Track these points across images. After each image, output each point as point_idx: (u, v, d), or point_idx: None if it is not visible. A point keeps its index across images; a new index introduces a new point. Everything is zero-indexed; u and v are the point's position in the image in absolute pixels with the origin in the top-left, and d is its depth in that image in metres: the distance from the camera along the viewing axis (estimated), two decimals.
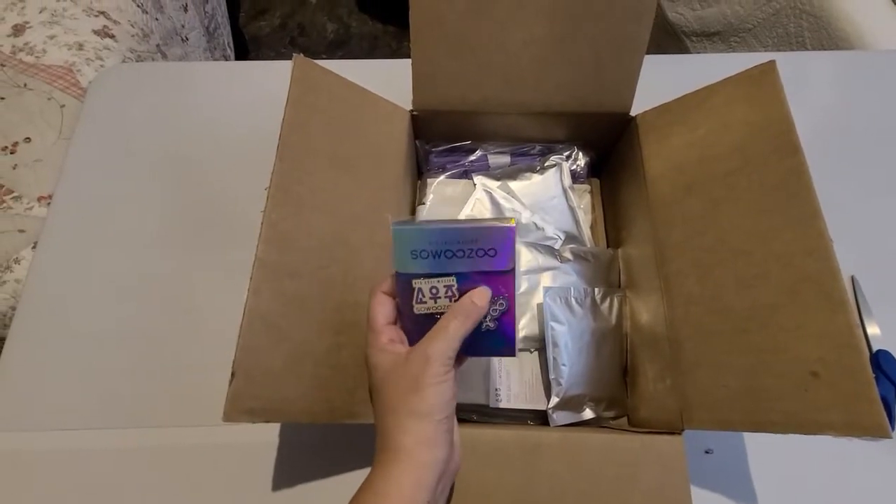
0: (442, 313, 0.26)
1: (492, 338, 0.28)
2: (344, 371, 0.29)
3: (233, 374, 0.24)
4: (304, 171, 0.31)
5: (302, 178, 0.31)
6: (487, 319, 0.28)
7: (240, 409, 0.24)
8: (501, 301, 0.27)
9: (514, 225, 0.26)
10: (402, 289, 0.27)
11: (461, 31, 0.35)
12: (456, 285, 0.27)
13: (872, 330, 0.44)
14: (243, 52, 1.39)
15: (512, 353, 0.28)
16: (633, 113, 0.41)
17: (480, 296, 0.26)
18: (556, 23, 0.35)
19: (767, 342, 0.29)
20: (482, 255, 0.26)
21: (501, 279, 0.27)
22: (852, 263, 0.47)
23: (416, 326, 0.27)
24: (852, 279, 0.47)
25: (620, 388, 0.39)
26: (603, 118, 0.41)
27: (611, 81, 0.38)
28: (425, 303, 0.27)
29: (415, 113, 0.39)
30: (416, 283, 0.27)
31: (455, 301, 0.27)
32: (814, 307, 0.28)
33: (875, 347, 0.43)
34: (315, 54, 1.42)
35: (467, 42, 0.36)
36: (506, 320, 0.28)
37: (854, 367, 0.26)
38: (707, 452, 0.40)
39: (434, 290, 0.27)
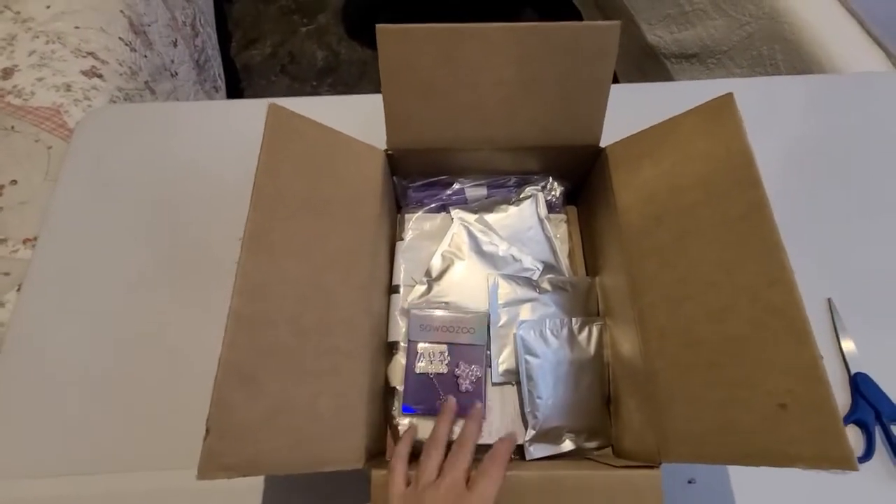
0: (435, 373, 0.38)
1: (469, 398, 0.37)
2: (321, 420, 0.30)
3: (207, 431, 0.24)
4: (278, 218, 0.32)
5: (275, 226, 0.31)
6: (467, 382, 0.38)
7: (215, 466, 0.24)
8: (476, 368, 0.39)
9: (488, 313, 0.40)
10: (411, 351, 0.39)
11: (431, 76, 0.36)
12: (447, 351, 0.39)
13: (850, 350, 0.45)
14: (234, 81, 1.41)
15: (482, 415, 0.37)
16: (602, 144, 0.42)
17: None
18: (522, 66, 0.36)
19: (738, 375, 0.30)
20: (464, 332, 0.39)
21: (477, 350, 0.39)
22: (828, 286, 0.48)
23: (414, 384, 0.38)
24: (828, 301, 0.47)
25: (603, 418, 0.39)
26: (574, 150, 0.42)
27: (579, 116, 0.39)
28: (422, 363, 0.39)
29: (389, 152, 0.40)
30: (420, 348, 0.39)
31: (446, 365, 0.39)
32: (780, 339, 0.28)
33: (853, 369, 0.44)
34: (305, 81, 1.45)
35: (437, 86, 0.37)
36: (479, 384, 0.38)
37: (820, 400, 0.26)
38: (690, 482, 0.40)
39: (431, 355, 0.39)
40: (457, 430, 0.35)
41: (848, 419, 0.42)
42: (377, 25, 0.34)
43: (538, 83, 0.37)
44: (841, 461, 0.25)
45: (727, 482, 0.39)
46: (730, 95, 0.35)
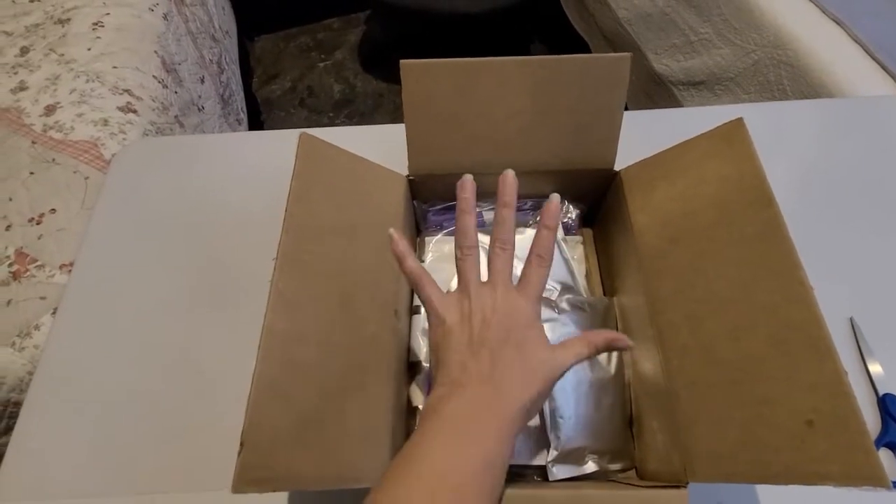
0: None
1: None
2: (348, 435, 0.30)
3: (242, 445, 0.25)
4: (309, 241, 0.33)
5: (306, 248, 0.33)
6: None
7: (248, 479, 0.25)
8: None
9: None
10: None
11: (450, 108, 0.38)
12: None
13: (876, 371, 0.44)
14: (256, 114, 1.48)
15: None
16: (617, 167, 0.43)
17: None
18: (536, 96, 0.38)
19: (761, 393, 0.30)
20: None
21: None
22: (850, 305, 0.48)
23: None
24: (851, 321, 0.47)
25: (626, 440, 0.39)
26: (589, 174, 0.43)
27: (592, 142, 0.41)
28: None
29: (411, 178, 0.42)
30: None
31: None
32: (802, 356, 0.29)
33: (881, 390, 0.43)
34: (322, 113, 1.51)
35: (456, 115, 0.39)
36: None
37: (847, 416, 0.26)
38: None
39: None
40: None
41: (879, 442, 0.41)
42: (401, 61, 0.37)
43: (552, 112, 0.39)
44: (872, 479, 0.25)
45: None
46: (740, 120, 0.36)
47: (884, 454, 0.41)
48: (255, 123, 1.43)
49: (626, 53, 0.38)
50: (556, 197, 0.33)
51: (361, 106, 1.51)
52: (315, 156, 0.36)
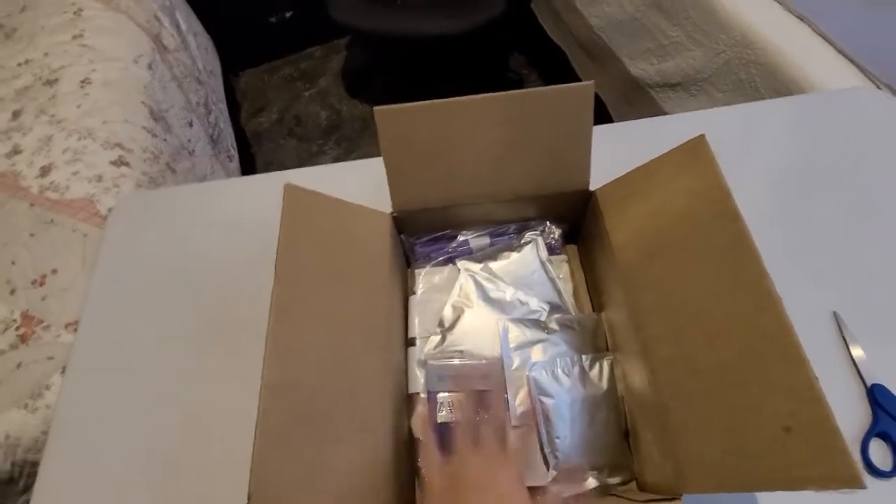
0: (456, 422, 0.39)
1: (493, 444, 0.36)
2: (353, 478, 0.32)
3: (249, 497, 0.27)
4: (300, 290, 0.35)
5: (298, 297, 0.34)
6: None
7: None
8: (496, 412, 0.39)
9: (500, 357, 0.42)
10: (432, 402, 0.40)
11: (426, 147, 0.40)
12: (465, 399, 0.40)
13: (862, 362, 0.45)
14: (246, 147, 1.50)
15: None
16: (592, 187, 0.45)
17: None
18: (508, 130, 0.40)
19: (739, 400, 0.31)
20: (481, 379, 0.41)
21: (495, 395, 0.40)
22: (833, 299, 0.49)
23: (437, 434, 0.38)
24: (835, 314, 0.48)
25: (623, 453, 0.40)
26: (566, 196, 0.45)
27: (566, 166, 0.43)
28: (444, 413, 0.40)
29: (395, 215, 0.44)
30: (440, 398, 0.41)
31: (466, 413, 0.40)
32: (775, 363, 0.30)
33: (869, 381, 0.44)
34: (311, 141, 1.53)
35: (433, 153, 0.41)
36: (502, 428, 0.37)
37: (821, 420, 0.28)
38: None
39: (451, 404, 0.40)
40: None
41: (871, 433, 0.42)
42: (375, 108, 0.39)
43: (524, 142, 0.41)
44: (850, 481, 0.26)
45: None
46: (702, 137, 0.38)
47: (876, 444, 0.42)
48: (246, 157, 1.45)
49: (589, 82, 0.39)
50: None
51: (349, 131, 1.53)
52: (300, 206, 0.38)
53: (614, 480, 0.38)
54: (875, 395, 0.43)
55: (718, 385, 0.32)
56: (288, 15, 1.60)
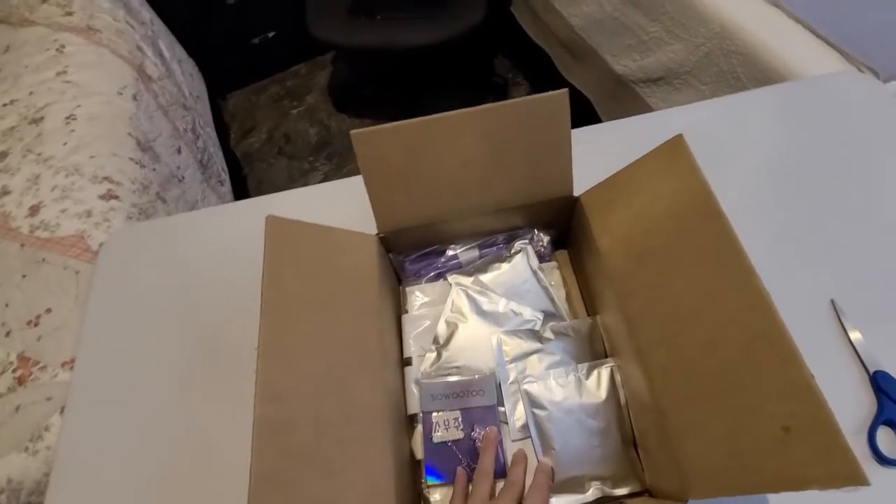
0: (452, 440, 0.39)
1: None
2: None
3: None
4: (288, 321, 0.34)
5: (287, 329, 0.34)
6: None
7: None
8: (492, 428, 0.39)
9: (495, 372, 0.42)
10: (425, 421, 0.40)
11: (406, 165, 0.40)
12: (460, 417, 0.40)
13: (864, 350, 0.45)
14: (237, 169, 1.51)
15: (503, 475, 0.37)
16: (581, 190, 0.44)
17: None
18: (488, 142, 0.40)
19: (738, 403, 0.31)
20: (474, 395, 0.41)
21: (490, 411, 0.40)
22: (829, 287, 0.48)
23: (434, 454, 0.39)
24: (832, 302, 0.48)
25: (629, 463, 0.39)
26: (551, 203, 0.45)
27: (548, 174, 0.43)
28: (439, 432, 0.40)
29: (381, 235, 0.43)
30: (435, 417, 0.41)
31: (461, 431, 0.40)
32: (770, 364, 0.30)
33: (871, 368, 0.44)
34: (302, 158, 1.54)
35: (414, 172, 0.40)
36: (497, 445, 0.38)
37: (820, 419, 0.27)
38: None
39: (446, 422, 0.40)
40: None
41: (878, 421, 0.42)
42: (351, 132, 0.38)
43: (505, 154, 0.41)
44: (853, 479, 0.26)
45: None
46: (679, 137, 0.37)
47: (883, 432, 0.42)
48: (238, 179, 1.46)
49: (563, 90, 0.39)
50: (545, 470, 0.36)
51: (339, 146, 1.54)
52: (283, 236, 0.37)
53: (621, 491, 0.38)
54: (879, 382, 0.43)
55: (716, 389, 0.32)
56: (270, 35, 1.61)
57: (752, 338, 0.31)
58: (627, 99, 1.04)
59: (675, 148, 0.37)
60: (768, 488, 0.28)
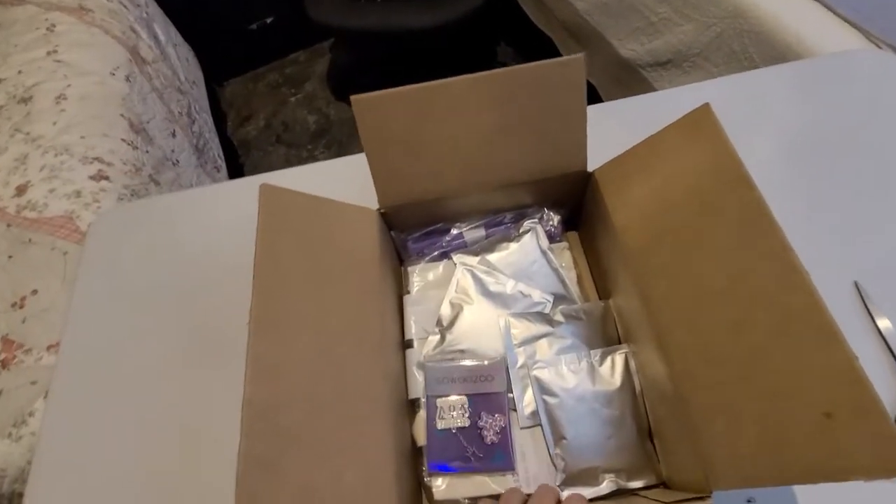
0: (457, 427, 0.37)
1: (494, 451, 0.36)
2: (349, 495, 0.29)
3: None
4: (282, 298, 0.32)
5: (280, 306, 0.31)
6: (491, 434, 0.36)
7: None
8: (499, 417, 0.37)
9: (505, 357, 0.39)
10: (429, 406, 0.38)
11: (410, 135, 0.37)
12: (467, 403, 0.38)
13: (891, 335, 0.42)
14: (234, 157, 1.48)
15: (511, 468, 0.36)
16: (590, 168, 0.42)
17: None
18: (496, 112, 0.37)
19: (772, 388, 0.28)
20: (483, 381, 0.38)
21: (499, 397, 0.38)
22: (852, 269, 0.46)
23: (438, 441, 0.37)
24: (855, 284, 0.45)
25: (645, 455, 0.36)
26: (563, 179, 0.42)
27: (561, 147, 0.40)
28: (444, 419, 0.37)
29: (383, 211, 0.41)
30: (440, 403, 0.38)
31: (468, 418, 0.37)
32: (808, 345, 0.27)
33: None
34: (301, 147, 1.51)
35: (417, 142, 0.38)
36: (504, 434, 0.36)
37: (866, 404, 0.25)
38: (749, 502, 0.37)
39: (452, 409, 0.38)
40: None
41: None
42: (352, 97, 0.36)
43: (514, 124, 0.38)
44: None
45: (789, 498, 0.37)
46: (707, 106, 0.35)
47: None
48: (235, 167, 1.43)
49: (579, 54, 0.37)
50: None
51: (338, 134, 1.51)
52: (278, 206, 0.35)
53: (636, 484, 0.35)
54: None
55: (745, 372, 0.29)
56: (268, 21, 1.57)
57: (786, 317, 0.28)
58: (634, 84, 1.02)
59: (702, 118, 0.35)
60: (806, 479, 0.26)
